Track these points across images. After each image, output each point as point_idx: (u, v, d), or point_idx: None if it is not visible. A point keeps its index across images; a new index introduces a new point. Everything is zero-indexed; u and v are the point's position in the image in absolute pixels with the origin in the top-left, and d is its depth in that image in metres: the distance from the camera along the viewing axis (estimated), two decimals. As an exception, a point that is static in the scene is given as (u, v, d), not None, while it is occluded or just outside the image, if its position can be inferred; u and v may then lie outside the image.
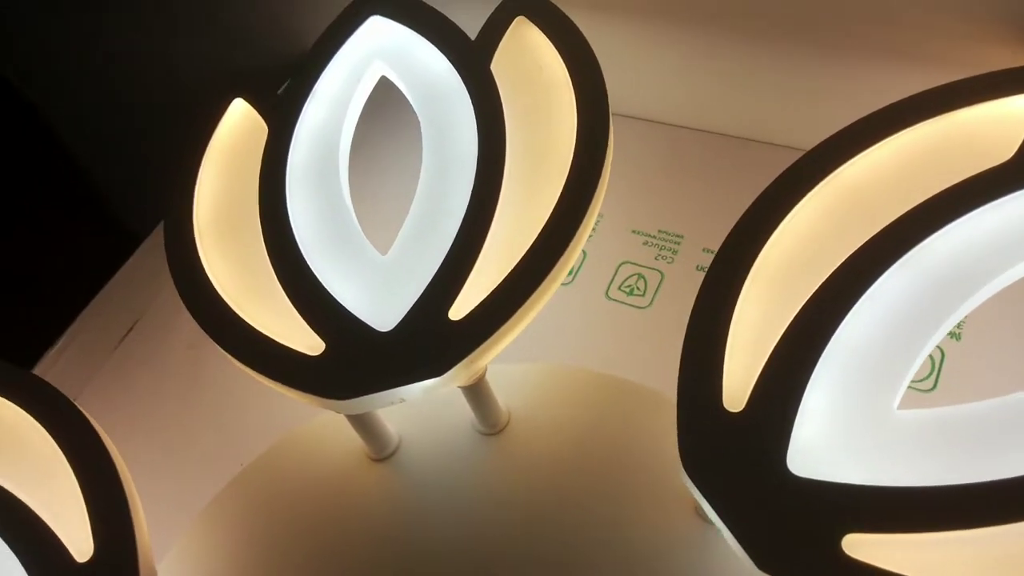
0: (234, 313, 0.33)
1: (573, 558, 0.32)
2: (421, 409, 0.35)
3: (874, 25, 0.38)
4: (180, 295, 0.34)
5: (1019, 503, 0.23)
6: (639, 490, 0.32)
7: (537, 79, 0.38)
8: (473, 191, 0.34)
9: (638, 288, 0.42)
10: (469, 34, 0.39)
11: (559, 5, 0.39)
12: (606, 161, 0.33)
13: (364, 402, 0.30)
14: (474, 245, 0.33)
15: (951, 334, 0.38)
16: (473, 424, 0.35)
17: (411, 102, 0.39)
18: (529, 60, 0.38)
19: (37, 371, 0.46)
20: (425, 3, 0.41)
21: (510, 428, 0.35)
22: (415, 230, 0.34)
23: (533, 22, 0.39)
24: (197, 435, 0.43)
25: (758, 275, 0.29)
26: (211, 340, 0.46)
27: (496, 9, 0.39)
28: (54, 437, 0.32)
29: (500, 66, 0.38)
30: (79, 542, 0.30)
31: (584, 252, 0.44)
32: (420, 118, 0.38)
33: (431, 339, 0.30)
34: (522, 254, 0.32)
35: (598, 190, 0.33)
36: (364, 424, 0.34)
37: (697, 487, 0.25)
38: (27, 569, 0.29)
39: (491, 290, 0.31)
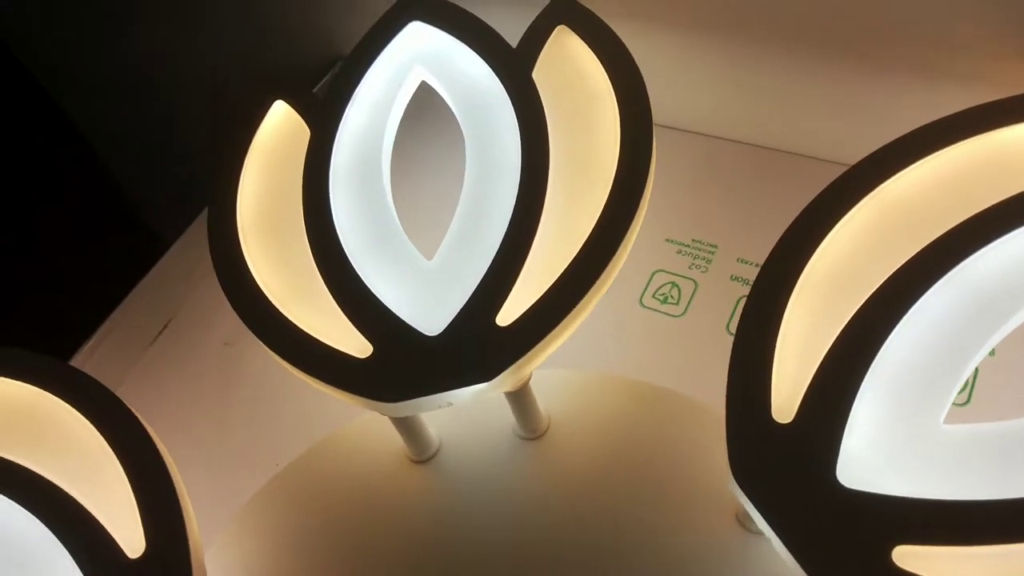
0: (282, 315, 0.33)
1: (612, 563, 0.32)
2: (461, 412, 0.36)
3: (917, 44, 0.38)
4: (226, 295, 0.35)
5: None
6: (678, 497, 0.33)
7: (578, 88, 0.38)
8: (518, 198, 0.35)
9: (672, 296, 0.42)
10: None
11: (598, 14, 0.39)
12: (650, 172, 0.34)
13: (413, 405, 0.31)
14: (520, 252, 0.33)
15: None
16: (513, 428, 0.36)
17: (452, 108, 0.39)
18: (570, 69, 0.39)
19: (70, 367, 0.47)
20: (465, 9, 0.41)
21: (550, 433, 0.35)
22: (460, 235, 0.35)
23: (574, 31, 0.39)
24: (232, 432, 0.43)
25: (803, 288, 0.30)
26: (246, 338, 0.47)
27: (537, 17, 0.40)
28: (102, 433, 0.32)
29: (541, 74, 0.39)
30: (130, 538, 0.30)
31: (618, 260, 0.44)
32: (462, 124, 0.39)
33: (480, 344, 0.31)
34: (567, 262, 0.32)
35: (643, 201, 0.33)
36: (407, 426, 0.34)
37: (747, 496, 0.26)
38: (80, 566, 0.29)
39: (538, 297, 0.32)
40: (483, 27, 0.41)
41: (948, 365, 0.28)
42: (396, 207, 0.37)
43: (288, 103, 0.41)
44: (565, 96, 0.38)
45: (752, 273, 0.42)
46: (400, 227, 0.36)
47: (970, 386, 0.37)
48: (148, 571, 0.29)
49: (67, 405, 0.33)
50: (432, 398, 0.30)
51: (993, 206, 0.29)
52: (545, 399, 0.35)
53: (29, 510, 0.31)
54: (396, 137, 0.40)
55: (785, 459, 0.26)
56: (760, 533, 0.31)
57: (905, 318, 0.28)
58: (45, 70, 0.81)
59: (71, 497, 0.31)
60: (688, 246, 0.43)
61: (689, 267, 0.43)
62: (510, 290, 0.32)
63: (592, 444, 0.35)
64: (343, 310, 0.33)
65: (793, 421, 0.27)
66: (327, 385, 0.32)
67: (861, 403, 0.27)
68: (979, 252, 0.29)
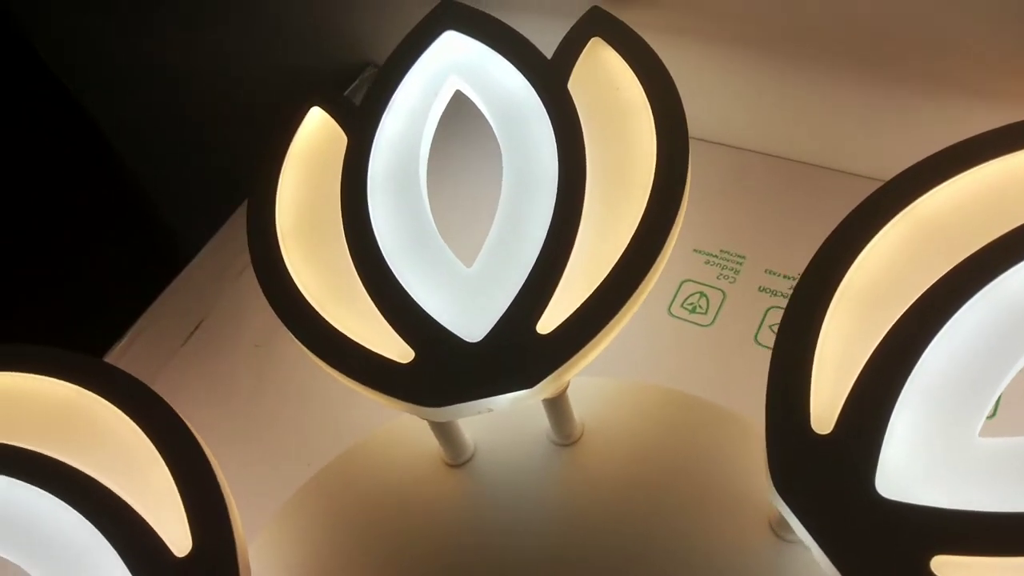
0: (324, 320, 0.34)
1: (644, 570, 0.33)
2: (496, 418, 0.36)
3: (951, 62, 0.39)
4: (268, 300, 0.35)
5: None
6: (711, 505, 0.33)
7: (613, 99, 0.39)
8: (555, 207, 0.35)
9: (700, 306, 0.43)
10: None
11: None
12: (687, 183, 0.35)
13: (455, 410, 0.31)
14: (559, 261, 0.34)
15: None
16: (548, 434, 0.36)
17: (488, 118, 0.40)
18: (605, 80, 0.39)
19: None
20: (499, 20, 0.42)
21: (583, 440, 0.36)
22: (499, 243, 0.35)
23: (608, 43, 0.40)
24: (262, 433, 0.44)
25: (840, 302, 0.30)
26: (276, 339, 0.48)
27: (572, 29, 0.40)
28: (146, 432, 0.33)
29: (576, 85, 0.39)
30: (176, 537, 0.30)
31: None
32: (497, 134, 0.39)
33: (521, 351, 0.31)
34: (605, 271, 0.33)
35: (680, 212, 0.34)
36: (445, 431, 0.35)
37: (789, 506, 0.26)
38: (128, 565, 0.30)
39: (578, 305, 0.32)
40: (518, 37, 0.41)
41: (983, 379, 0.28)
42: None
43: (325, 109, 0.42)
44: (600, 107, 0.39)
45: (780, 284, 0.42)
46: (438, 234, 0.36)
47: (997, 399, 0.37)
48: (196, 569, 0.29)
49: (110, 404, 0.34)
50: (474, 404, 0.31)
51: (1024, 223, 0.30)
52: (578, 406, 0.36)
53: (77, 509, 0.31)
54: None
55: (825, 469, 0.27)
56: (794, 541, 0.32)
57: (941, 332, 0.29)
58: (67, 70, 0.82)
59: (118, 496, 0.32)
60: (716, 256, 0.44)
61: (717, 277, 0.43)
62: (550, 298, 0.33)
63: (625, 451, 0.35)
64: (384, 316, 0.34)
65: (832, 432, 0.28)
66: (370, 389, 0.32)
67: (899, 415, 0.27)
68: (1013, 268, 0.29)
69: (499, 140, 0.39)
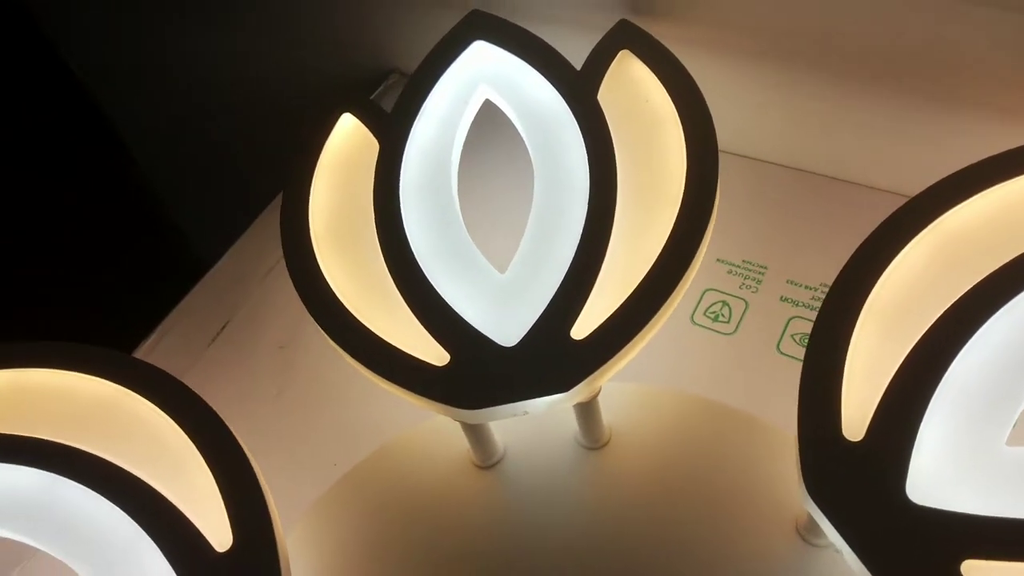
0: (361, 323, 0.35)
1: (671, 573, 0.33)
2: (525, 421, 0.37)
3: (977, 79, 0.40)
4: (305, 304, 0.36)
5: None
6: (738, 509, 0.34)
7: (642, 111, 0.39)
8: (587, 216, 0.36)
9: (723, 315, 0.43)
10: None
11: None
12: (717, 193, 0.35)
13: (491, 412, 0.32)
14: (592, 268, 0.34)
15: None
16: (576, 438, 0.37)
17: (518, 127, 0.41)
18: (634, 92, 0.40)
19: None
20: (528, 30, 0.43)
21: (611, 444, 0.37)
22: (531, 250, 0.36)
23: (637, 55, 0.40)
24: (288, 433, 0.44)
25: (869, 314, 0.31)
26: (301, 341, 0.48)
27: (600, 41, 0.41)
28: (184, 429, 0.33)
29: (605, 96, 0.40)
30: (217, 532, 0.31)
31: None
32: (528, 143, 0.40)
33: (556, 356, 0.32)
34: (636, 278, 0.34)
35: (711, 222, 0.35)
36: (477, 433, 0.35)
37: (822, 510, 0.27)
38: (169, 560, 0.30)
39: (610, 312, 0.33)
40: (547, 48, 0.42)
41: (1009, 389, 0.29)
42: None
43: (356, 115, 0.42)
44: (629, 119, 0.39)
45: (802, 295, 0.43)
46: (471, 240, 0.37)
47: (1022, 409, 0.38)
48: (237, 564, 0.30)
49: (149, 402, 0.34)
50: (510, 407, 0.32)
51: (1052, 239, 0.31)
52: (606, 410, 0.36)
53: (118, 505, 0.32)
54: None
55: (856, 475, 0.28)
56: (821, 546, 0.32)
57: (968, 344, 0.29)
58: (88, 73, 0.83)
59: (158, 492, 0.32)
60: (738, 266, 0.45)
61: (740, 287, 0.44)
62: (583, 304, 0.34)
63: (652, 455, 0.36)
64: (420, 320, 0.35)
65: (863, 439, 0.28)
66: (408, 392, 0.33)
67: (928, 424, 0.28)
68: (1038, 283, 0.30)
69: (529, 149, 0.40)
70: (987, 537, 0.26)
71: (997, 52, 0.39)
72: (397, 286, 0.36)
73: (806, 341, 0.41)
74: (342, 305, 0.36)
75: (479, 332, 0.34)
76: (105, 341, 0.49)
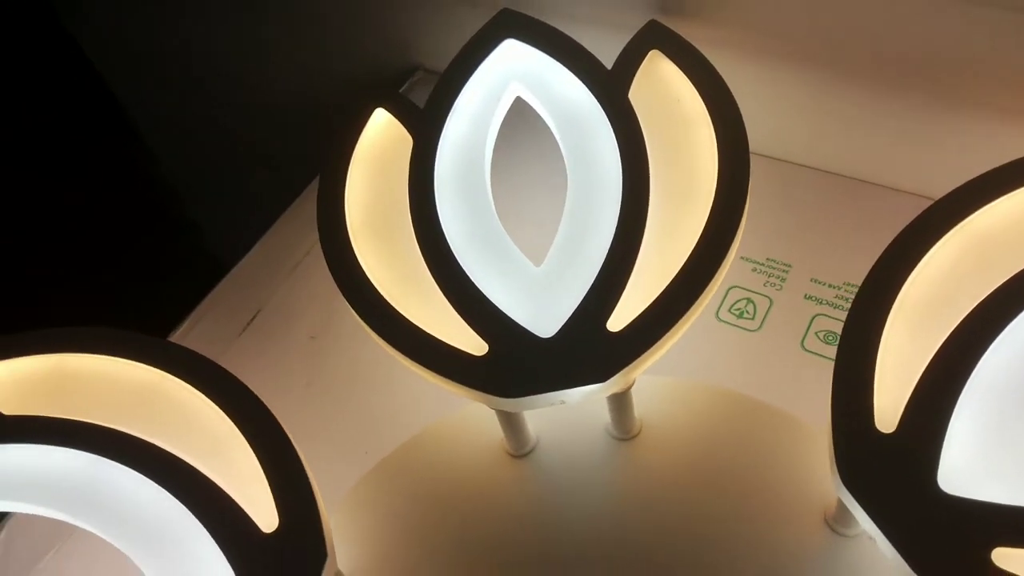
0: (400, 314, 0.35)
1: (701, 561, 0.34)
2: (557, 411, 0.38)
3: (1000, 85, 0.41)
4: (344, 294, 0.36)
5: None
6: (767, 500, 0.35)
7: (673, 110, 0.40)
8: (621, 212, 0.37)
9: (748, 312, 0.44)
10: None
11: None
12: (749, 191, 0.36)
13: (529, 401, 0.33)
14: (627, 261, 0.35)
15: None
16: (607, 429, 0.38)
17: (550, 124, 0.42)
18: (664, 92, 0.41)
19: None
20: (558, 30, 0.44)
21: (642, 435, 0.38)
22: (566, 245, 0.37)
23: (667, 55, 0.41)
24: (319, 422, 0.45)
25: (899, 311, 0.32)
26: (331, 331, 0.49)
27: (631, 41, 0.42)
28: (227, 413, 0.34)
29: (636, 95, 0.41)
30: (262, 514, 0.32)
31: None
32: (560, 140, 0.41)
33: (593, 347, 0.33)
34: (670, 274, 0.35)
35: (743, 220, 0.36)
36: (512, 422, 0.36)
37: (857, 500, 0.28)
38: (217, 541, 0.31)
39: (644, 306, 0.34)
40: (577, 47, 0.43)
41: (1036, 385, 0.30)
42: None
43: (389, 111, 0.43)
44: (660, 117, 0.40)
45: (826, 293, 0.44)
46: (506, 234, 0.38)
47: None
48: (284, 544, 0.31)
49: (193, 388, 0.35)
50: (548, 395, 0.33)
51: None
52: (636, 403, 0.37)
53: (164, 487, 0.32)
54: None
55: (889, 466, 0.28)
56: (849, 536, 0.33)
57: (998, 339, 0.30)
58: (110, 66, 0.84)
59: (203, 474, 0.33)
60: (763, 264, 0.46)
61: (764, 284, 0.45)
62: (619, 297, 0.34)
63: (682, 447, 0.37)
64: (458, 311, 0.35)
65: (895, 431, 0.29)
66: (448, 381, 0.34)
67: (958, 416, 0.29)
68: (1065, 282, 0.31)
69: (561, 146, 0.41)
70: (1016, 526, 0.27)
71: (1019, 60, 0.40)
72: (434, 277, 0.37)
73: (830, 338, 0.43)
74: (381, 296, 0.36)
75: (517, 323, 0.35)
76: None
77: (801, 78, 0.47)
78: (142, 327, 0.52)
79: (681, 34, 0.41)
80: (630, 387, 0.35)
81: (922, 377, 0.30)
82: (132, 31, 0.79)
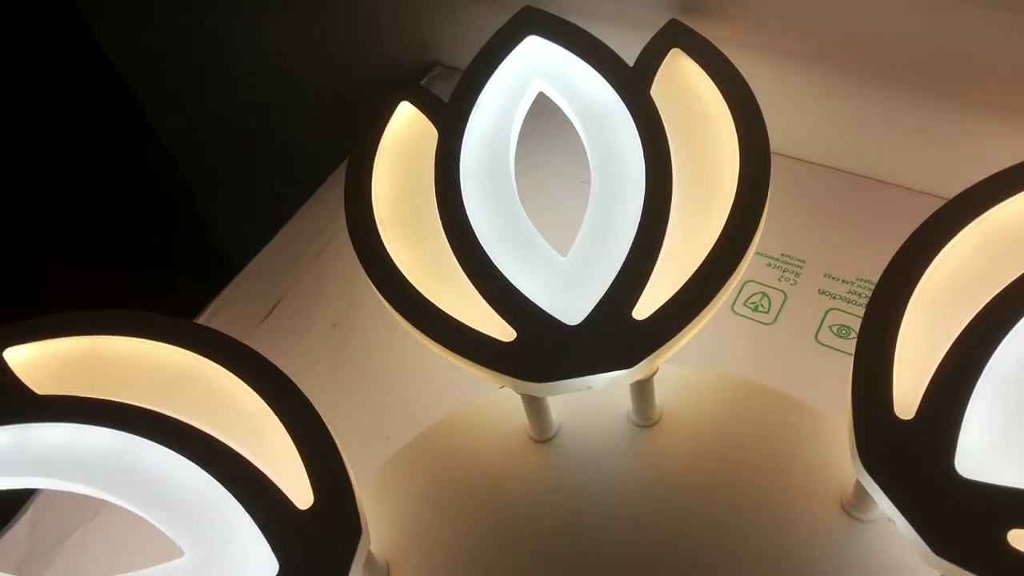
0: (430, 302, 0.36)
1: (721, 545, 0.35)
2: (579, 398, 0.39)
3: (1019, 85, 0.42)
4: (373, 282, 0.37)
5: None
6: (784, 486, 0.36)
7: (693, 107, 0.41)
8: (644, 205, 0.38)
9: (762, 305, 0.45)
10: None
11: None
12: (770, 186, 0.37)
13: (557, 386, 0.34)
14: (651, 253, 0.36)
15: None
16: (628, 415, 0.39)
17: (572, 120, 0.43)
18: (685, 89, 0.42)
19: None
20: (580, 27, 0.45)
21: (662, 422, 0.39)
22: (591, 236, 0.38)
23: (688, 54, 0.42)
24: (341, 408, 0.46)
25: (916, 304, 0.33)
26: (352, 320, 0.50)
27: (652, 39, 0.43)
28: (259, 393, 0.35)
29: (657, 92, 0.42)
30: (297, 491, 0.33)
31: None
32: (583, 135, 0.42)
33: (619, 335, 0.34)
34: (692, 265, 0.36)
35: (763, 214, 0.37)
36: (537, 407, 0.37)
37: (877, 483, 0.29)
38: (254, 518, 0.32)
39: (667, 297, 0.35)
40: (599, 44, 0.44)
41: (1050, 375, 0.31)
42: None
43: (414, 104, 0.44)
44: (681, 114, 0.41)
45: (839, 288, 0.45)
46: (531, 224, 0.39)
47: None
48: (320, 521, 0.32)
49: (222, 368, 0.36)
50: (575, 380, 0.34)
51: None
52: (657, 391, 0.38)
53: (201, 466, 0.33)
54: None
55: (908, 451, 0.30)
56: (865, 520, 0.34)
57: (1013, 331, 0.31)
58: (127, 63, 0.84)
59: (239, 453, 0.34)
60: (778, 260, 0.47)
61: (779, 279, 0.46)
62: (644, 287, 0.35)
63: (701, 434, 0.38)
64: (486, 298, 0.36)
65: (914, 418, 0.30)
66: (477, 366, 0.35)
67: (975, 403, 0.30)
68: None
69: (584, 141, 0.42)
70: (1031, 509, 0.28)
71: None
72: (462, 266, 0.38)
73: (843, 332, 0.44)
74: (410, 284, 0.37)
75: (544, 311, 0.35)
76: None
77: (818, 78, 0.48)
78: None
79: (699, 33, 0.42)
80: (653, 374, 0.36)
81: (939, 367, 0.31)
82: (148, 26, 0.80)
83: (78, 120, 0.84)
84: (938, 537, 0.28)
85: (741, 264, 0.35)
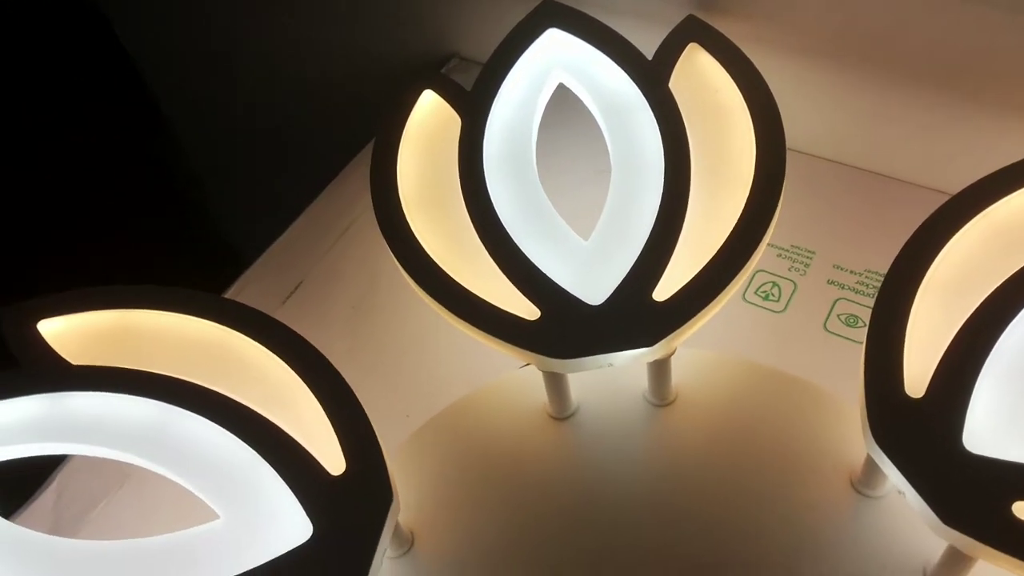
0: (456, 282, 0.38)
1: (734, 519, 0.37)
2: (596, 377, 0.40)
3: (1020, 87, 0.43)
4: (400, 264, 0.38)
5: None
6: (795, 465, 0.37)
7: (710, 100, 0.43)
8: (663, 194, 0.39)
9: (773, 294, 0.47)
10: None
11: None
12: (785, 176, 0.39)
13: (580, 363, 0.35)
14: (670, 237, 0.38)
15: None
16: (644, 395, 0.40)
17: (592, 110, 0.44)
18: (702, 83, 0.43)
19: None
20: (599, 20, 0.46)
21: (677, 402, 0.40)
22: (612, 221, 0.39)
23: (705, 49, 0.44)
24: (361, 389, 0.47)
25: (925, 292, 0.34)
26: (373, 302, 0.51)
27: (670, 34, 0.44)
28: (290, 364, 0.36)
29: (675, 85, 0.43)
30: (329, 458, 0.34)
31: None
32: (602, 125, 0.43)
33: (640, 315, 0.35)
34: (710, 252, 0.37)
35: (779, 203, 0.38)
36: (558, 385, 0.39)
37: (888, 457, 0.30)
38: (288, 484, 0.33)
39: (690, 278, 0.36)
40: (618, 37, 0.45)
41: (1054, 358, 0.32)
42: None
43: (437, 92, 0.45)
44: (698, 106, 0.42)
45: (848, 279, 0.47)
46: (554, 210, 0.40)
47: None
48: (352, 486, 0.33)
49: (253, 341, 0.37)
50: (599, 358, 0.35)
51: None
52: (673, 372, 0.40)
53: (235, 434, 0.34)
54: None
55: (918, 427, 0.31)
56: (874, 497, 0.36)
57: (1018, 317, 0.33)
58: (142, 50, 0.85)
59: (271, 422, 0.35)
60: (788, 250, 0.48)
61: (789, 269, 0.48)
62: (664, 270, 0.37)
63: (715, 414, 0.39)
64: (510, 278, 0.37)
65: (924, 396, 0.32)
66: (503, 343, 0.36)
67: (983, 383, 0.32)
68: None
69: (604, 131, 0.43)
70: (1035, 483, 0.29)
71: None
72: (486, 248, 0.39)
73: (851, 321, 0.45)
74: (437, 264, 0.39)
75: (566, 291, 0.37)
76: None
77: (826, 76, 0.49)
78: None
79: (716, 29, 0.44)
80: (671, 354, 0.37)
81: (949, 348, 0.33)
82: (166, 19, 0.81)
83: (92, 109, 0.85)
84: (947, 508, 0.29)
85: (756, 252, 0.37)
